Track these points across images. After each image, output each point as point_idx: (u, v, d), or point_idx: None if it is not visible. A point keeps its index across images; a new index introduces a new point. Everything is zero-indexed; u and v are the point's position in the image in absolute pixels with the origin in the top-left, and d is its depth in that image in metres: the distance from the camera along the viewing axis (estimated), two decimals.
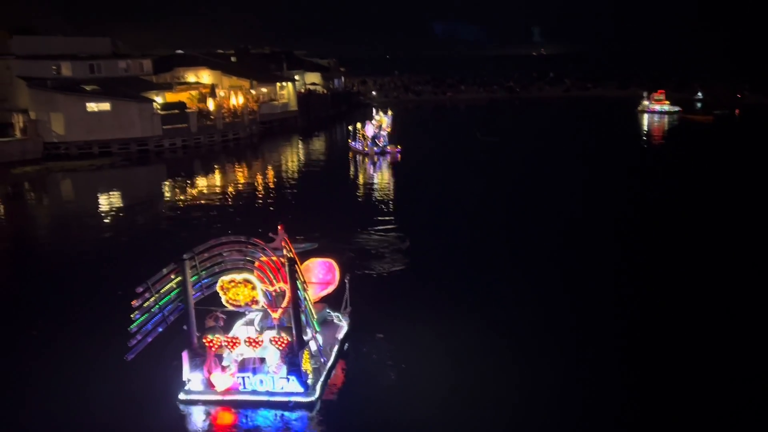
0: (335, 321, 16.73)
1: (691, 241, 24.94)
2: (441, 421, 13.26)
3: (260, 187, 39.84)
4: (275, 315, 14.38)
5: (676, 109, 69.89)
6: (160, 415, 13.41)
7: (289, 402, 13.54)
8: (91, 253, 25.64)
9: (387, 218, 29.33)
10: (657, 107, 70.20)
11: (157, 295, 13.60)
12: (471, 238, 26.19)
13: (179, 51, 77.03)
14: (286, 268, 13.71)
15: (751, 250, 23.44)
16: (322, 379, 14.26)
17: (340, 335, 16.26)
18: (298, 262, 14.02)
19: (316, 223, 26.09)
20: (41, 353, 16.44)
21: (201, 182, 42.18)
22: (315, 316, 14.49)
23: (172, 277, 13.89)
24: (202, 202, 34.84)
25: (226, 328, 14.89)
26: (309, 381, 13.89)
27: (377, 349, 16.28)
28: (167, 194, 39.24)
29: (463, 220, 29.27)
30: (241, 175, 44.84)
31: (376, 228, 27.31)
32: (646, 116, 69.28)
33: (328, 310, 16.75)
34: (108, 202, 37.15)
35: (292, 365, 13.63)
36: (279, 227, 14.99)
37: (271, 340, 13.93)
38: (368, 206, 32.29)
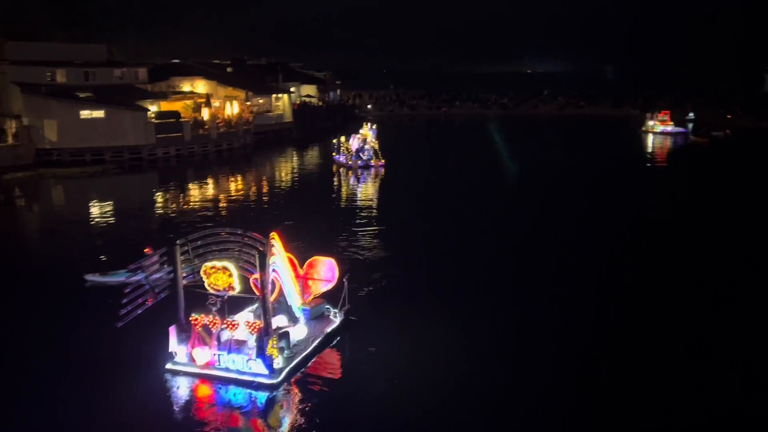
0: (331, 317, 17.87)
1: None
2: (393, 419, 13.59)
3: (252, 197, 39.73)
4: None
5: (681, 130, 70.22)
6: (149, 381, 15.10)
7: (253, 382, 14.75)
8: (81, 259, 25.40)
9: (369, 228, 29.75)
10: (661, 128, 70.27)
11: (147, 273, 15.13)
12: (448, 247, 26.60)
13: (175, 60, 77.00)
14: (257, 262, 15.08)
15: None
16: (292, 365, 15.31)
17: (329, 329, 17.32)
18: (269, 258, 15.23)
19: (302, 232, 26.30)
20: (38, 342, 17.37)
21: (193, 191, 42.01)
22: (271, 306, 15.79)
23: (164, 259, 15.42)
24: (194, 211, 34.69)
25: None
26: (276, 365, 14.90)
27: (361, 345, 17.07)
28: (159, 203, 39.07)
29: (440, 230, 29.76)
30: (233, 185, 44.72)
31: (358, 237, 27.76)
32: (650, 137, 69.11)
33: (327, 306, 18.03)
34: (99, 209, 36.88)
35: (259, 349, 14.88)
36: (273, 234, 16.06)
37: (245, 325, 15.30)
38: (351, 217, 32.43)
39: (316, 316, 17.66)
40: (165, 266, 15.75)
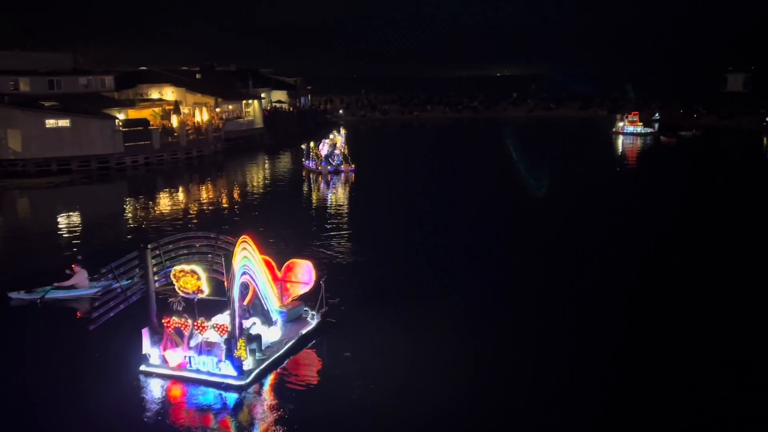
0: (308, 319, 18.02)
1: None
2: (367, 424, 13.66)
3: (223, 205, 39.37)
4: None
5: (650, 130, 71.54)
6: (124, 383, 15.45)
7: (222, 383, 15.04)
8: (49, 272, 24.85)
9: (340, 233, 29.71)
10: (631, 129, 71.45)
11: (118, 277, 15.60)
12: (421, 250, 26.70)
13: (142, 67, 76.01)
14: (222, 263, 15.56)
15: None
16: (262, 366, 15.57)
17: (303, 331, 17.51)
18: (234, 260, 15.51)
19: (274, 238, 26.29)
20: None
21: (164, 200, 41.47)
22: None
23: (135, 263, 15.74)
24: (164, 219, 34.23)
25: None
26: (245, 366, 15.19)
27: (337, 349, 17.20)
28: (128, 212, 38.46)
29: (412, 233, 29.78)
30: (204, 193, 44.25)
31: (330, 242, 27.77)
32: (621, 138, 70.13)
33: (305, 308, 18.21)
34: (66, 220, 36.15)
35: (228, 351, 15.17)
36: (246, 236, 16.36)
37: (213, 327, 15.58)
38: (322, 222, 32.34)
39: (294, 319, 17.88)
40: (100, 281, 16.45)
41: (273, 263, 18.14)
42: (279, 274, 18.22)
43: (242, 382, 15.02)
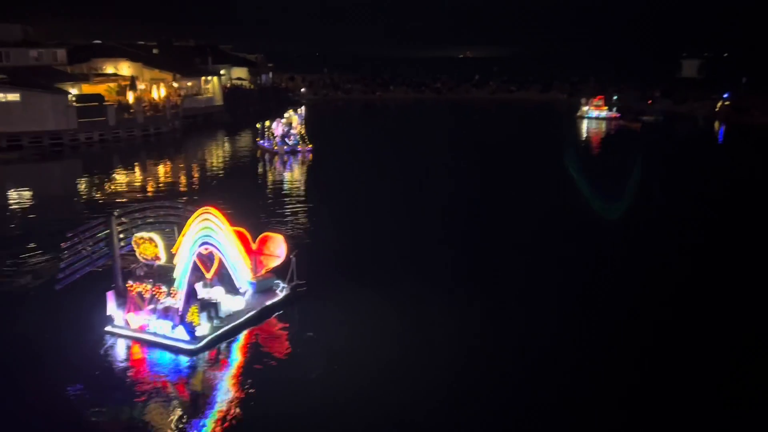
0: (277, 291, 18.55)
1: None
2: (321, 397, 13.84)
3: (180, 184, 38.72)
4: (208, 275, 17.48)
5: (614, 115, 72.27)
6: (88, 341, 16.40)
7: (176, 347, 15.77)
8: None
9: (296, 213, 29.76)
10: (595, 113, 71.90)
11: (83, 242, 16.11)
12: (375, 230, 26.85)
13: (97, 41, 73.69)
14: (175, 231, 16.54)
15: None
16: (216, 333, 16.19)
17: (269, 302, 18.02)
18: (186, 229, 16.29)
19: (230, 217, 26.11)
20: None
21: (119, 178, 40.55)
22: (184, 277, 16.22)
23: (101, 228, 16.55)
24: (120, 199, 33.52)
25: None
26: (199, 332, 15.91)
27: (302, 321, 17.68)
28: (82, 191, 37.52)
29: (365, 213, 30.10)
30: (161, 171, 43.41)
31: (286, 221, 27.89)
32: (585, 122, 70.45)
33: (277, 281, 18.81)
34: (17, 199, 35.07)
35: (181, 316, 15.90)
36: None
37: (169, 293, 16.28)
38: (277, 202, 32.25)
39: (263, 290, 18.41)
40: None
41: (248, 235, 18.58)
42: (254, 247, 18.69)
43: (193, 347, 15.61)
